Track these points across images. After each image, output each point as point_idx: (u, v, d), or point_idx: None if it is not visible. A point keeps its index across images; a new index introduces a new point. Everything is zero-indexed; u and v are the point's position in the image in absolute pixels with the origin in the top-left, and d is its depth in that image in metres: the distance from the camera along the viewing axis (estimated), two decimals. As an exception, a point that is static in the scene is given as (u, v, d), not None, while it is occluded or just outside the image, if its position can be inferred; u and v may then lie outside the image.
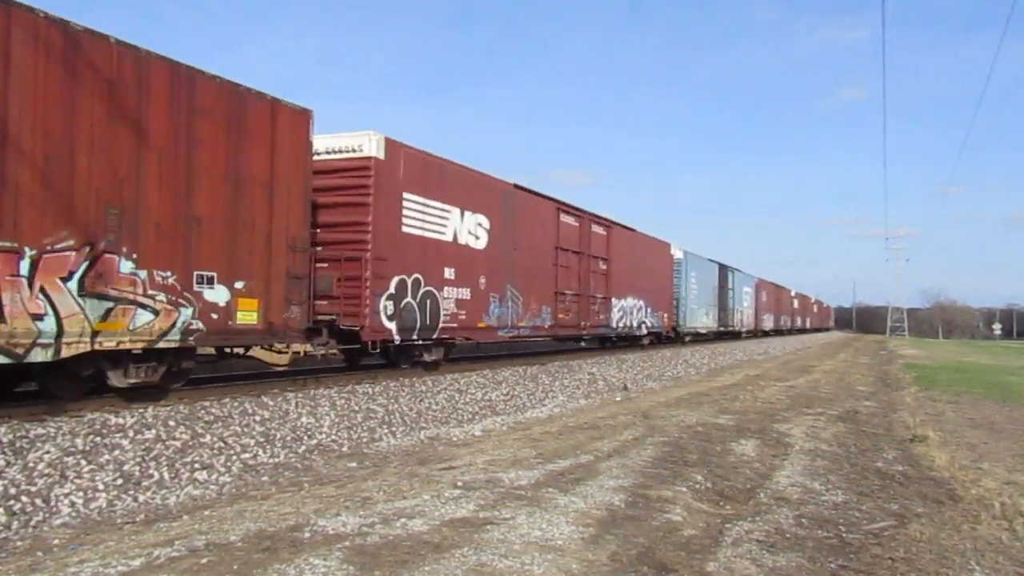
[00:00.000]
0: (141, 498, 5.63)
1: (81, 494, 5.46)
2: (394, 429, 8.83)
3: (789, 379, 17.32)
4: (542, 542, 4.33)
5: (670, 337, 27.73)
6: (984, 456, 8.12)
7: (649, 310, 23.94)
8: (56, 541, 4.62)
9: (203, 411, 7.98)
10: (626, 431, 8.56)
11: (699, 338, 32.70)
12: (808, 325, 72.03)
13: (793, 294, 61.96)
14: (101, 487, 5.63)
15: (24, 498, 5.22)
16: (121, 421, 7.10)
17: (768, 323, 49.08)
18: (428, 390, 11.24)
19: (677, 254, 27.46)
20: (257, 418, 8.08)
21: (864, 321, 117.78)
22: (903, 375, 20.50)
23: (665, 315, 25.92)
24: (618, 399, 12.85)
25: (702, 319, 31.15)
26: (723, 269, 35.22)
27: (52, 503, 5.26)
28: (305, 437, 7.82)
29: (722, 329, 34.91)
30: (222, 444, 7.05)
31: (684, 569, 4.06)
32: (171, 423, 7.31)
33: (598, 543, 4.37)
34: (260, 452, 7.12)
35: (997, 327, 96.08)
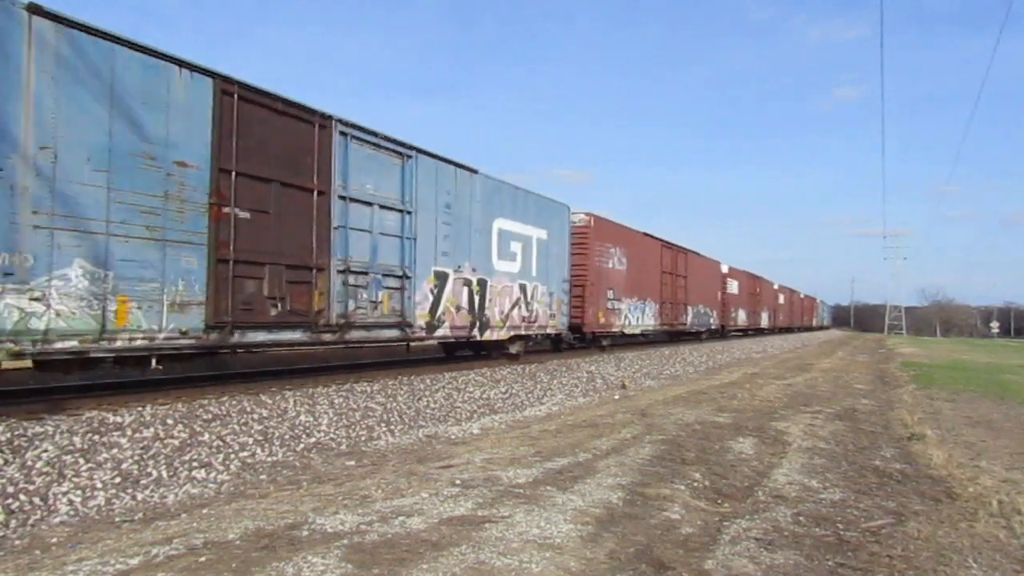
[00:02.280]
0: (139, 496, 5.62)
1: (79, 492, 5.45)
2: (392, 427, 8.82)
3: (787, 377, 17.33)
4: (540, 540, 4.33)
5: None
6: (982, 454, 8.13)
7: None
8: (54, 540, 4.61)
9: (201, 409, 7.97)
10: (624, 429, 8.57)
11: None
12: (767, 323, 46.66)
13: (726, 270, 35.98)
14: (99, 485, 5.62)
15: (22, 496, 5.21)
16: (119, 419, 7.09)
17: (641, 318, 22.79)
18: (426, 388, 11.24)
19: None
20: (255, 416, 8.07)
21: (862, 319, 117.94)
22: (901, 373, 20.51)
23: None
24: (616, 397, 12.86)
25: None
26: (320, 127, 9.66)
27: (50, 501, 5.25)
28: (303, 435, 7.81)
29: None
30: (220, 442, 7.05)
31: (682, 567, 4.06)
32: (169, 421, 7.30)
33: (596, 541, 4.38)
34: (258, 450, 7.12)
35: (995, 325, 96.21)
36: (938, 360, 28.31)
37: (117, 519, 5.11)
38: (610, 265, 20.10)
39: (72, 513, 5.17)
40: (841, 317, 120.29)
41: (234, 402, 8.53)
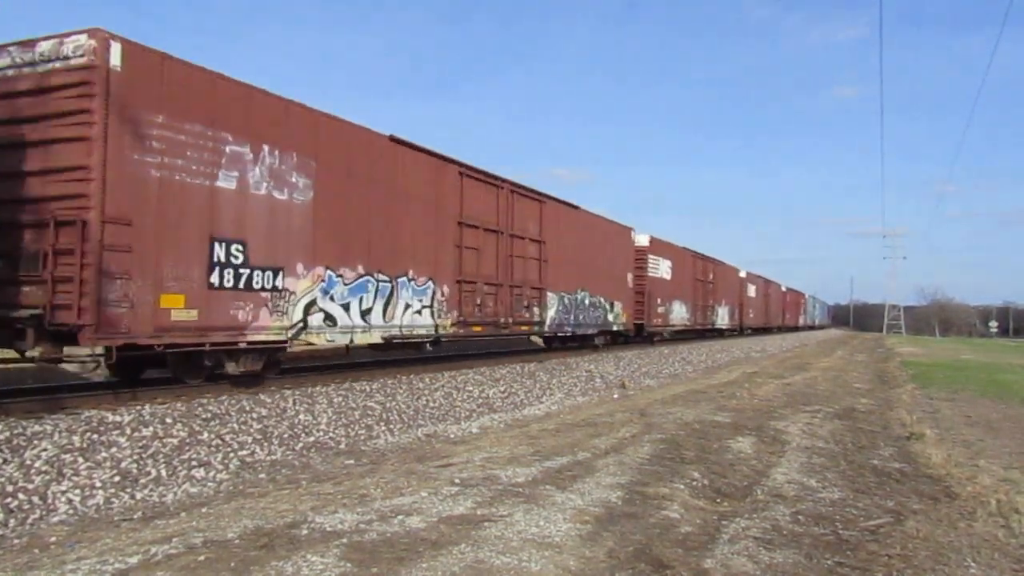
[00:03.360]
0: (138, 495, 5.62)
1: (78, 492, 5.45)
2: (391, 426, 8.82)
3: (786, 376, 17.34)
4: (539, 539, 4.33)
5: None
6: (980, 453, 8.14)
7: None
8: (53, 539, 4.61)
9: (200, 408, 7.97)
10: (623, 428, 8.57)
11: None
12: (727, 322, 35.13)
13: (645, 242, 23.54)
14: (98, 484, 5.62)
15: (21, 495, 5.21)
16: (118, 419, 7.08)
17: (349, 314, 10.03)
18: (425, 387, 11.24)
19: None
20: (255, 415, 8.07)
21: (861, 318, 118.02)
22: (900, 373, 20.52)
23: None
24: (615, 396, 12.87)
25: None
26: None
27: (49, 501, 5.25)
28: (303, 434, 7.81)
29: None
30: (219, 441, 7.05)
31: (681, 566, 4.06)
32: (168, 420, 7.30)
33: (595, 540, 4.38)
34: (258, 449, 7.12)
35: (993, 325, 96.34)
36: (937, 359, 28.32)
37: (116, 518, 5.11)
38: (200, 181, 7.88)
39: (71, 512, 5.17)
40: (840, 316, 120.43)
41: (233, 401, 8.52)
